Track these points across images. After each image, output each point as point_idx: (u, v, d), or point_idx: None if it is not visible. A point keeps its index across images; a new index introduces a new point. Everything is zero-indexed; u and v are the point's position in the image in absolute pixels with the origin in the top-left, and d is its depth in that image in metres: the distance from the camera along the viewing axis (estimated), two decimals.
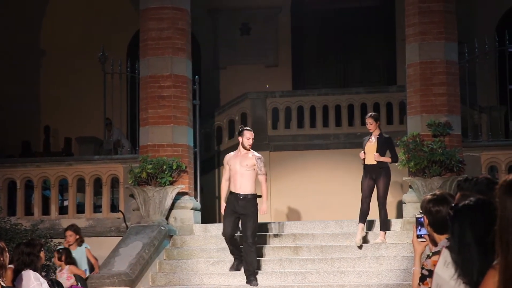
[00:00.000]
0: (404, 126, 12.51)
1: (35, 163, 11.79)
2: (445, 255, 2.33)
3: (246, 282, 9.28)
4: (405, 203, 10.79)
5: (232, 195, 9.39)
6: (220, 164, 14.49)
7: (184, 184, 10.93)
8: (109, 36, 15.16)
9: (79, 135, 14.45)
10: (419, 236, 4.09)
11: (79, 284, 8.56)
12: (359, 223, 10.00)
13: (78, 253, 9.23)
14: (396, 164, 10.60)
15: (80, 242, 9.33)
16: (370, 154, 9.93)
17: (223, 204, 9.62)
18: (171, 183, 10.71)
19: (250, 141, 9.51)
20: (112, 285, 9.15)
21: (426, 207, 3.95)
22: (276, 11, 16.25)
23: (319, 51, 16.38)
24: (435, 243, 4.04)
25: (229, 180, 9.50)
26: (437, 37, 10.68)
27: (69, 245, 9.23)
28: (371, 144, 10.03)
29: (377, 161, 9.88)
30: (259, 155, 9.66)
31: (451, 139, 10.57)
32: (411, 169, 10.42)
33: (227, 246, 10.34)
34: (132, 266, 9.52)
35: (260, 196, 9.55)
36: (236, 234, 9.47)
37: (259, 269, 9.81)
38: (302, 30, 16.50)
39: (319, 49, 16.41)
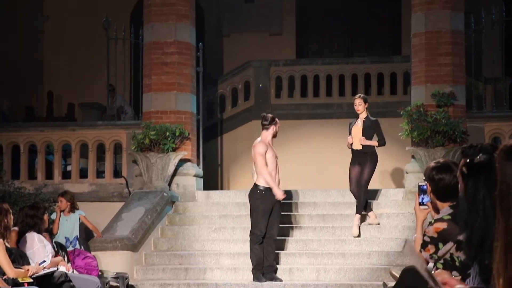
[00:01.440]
0: (408, 97, 12.49)
1: (39, 127, 11.81)
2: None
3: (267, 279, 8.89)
4: (407, 172, 10.81)
5: (270, 191, 8.69)
6: (223, 131, 14.52)
7: (187, 151, 10.95)
8: (112, 1, 15.08)
9: (82, 101, 14.44)
10: (421, 204, 4.11)
11: (82, 247, 8.63)
12: (356, 213, 9.73)
13: (71, 220, 9.21)
14: (400, 133, 10.61)
15: (73, 209, 9.24)
16: (356, 138, 9.60)
17: (278, 192, 8.74)
18: (174, 150, 10.73)
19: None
20: (114, 249, 9.22)
21: (429, 175, 3.96)
22: None
23: (323, 20, 16.28)
24: (437, 211, 4.06)
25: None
26: (444, 7, 10.60)
27: (62, 211, 9.18)
28: (358, 127, 9.67)
29: (362, 145, 9.54)
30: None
31: (455, 109, 10.55)
32: (414, 139, 10.41)
33: (229, 213, 10.39)
34: (135, 231, 9.58)
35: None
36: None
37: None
38: None
39: (324, 18, 16.30)
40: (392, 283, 7.03)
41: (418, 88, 10.80)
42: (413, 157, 10.74)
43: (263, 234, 8.64)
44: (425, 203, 4.09)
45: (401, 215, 10.13)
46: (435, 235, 3.86)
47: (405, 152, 11.18)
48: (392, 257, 9.16)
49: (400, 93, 14.13)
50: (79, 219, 9.25)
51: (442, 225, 3.83)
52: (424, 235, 4.00)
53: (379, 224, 9.77)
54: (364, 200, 9.73)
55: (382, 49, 15.75)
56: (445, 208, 3.92)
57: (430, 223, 3.93)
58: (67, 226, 9.07)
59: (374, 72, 14.34)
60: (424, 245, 4.02)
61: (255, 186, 8.77)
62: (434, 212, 4.05)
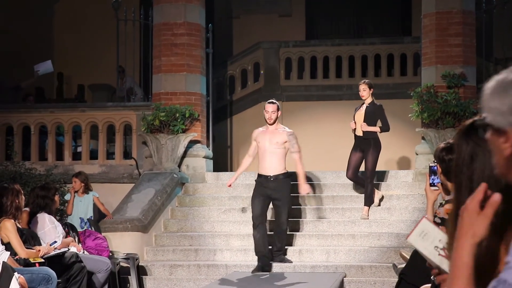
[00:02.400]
0: (418, 78, 12.44)
1: (49, 109, 11.83)
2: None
3: (275, 261, 8.75)
4: (417, 154, 10.79)
5: (261, 177, 8.57)
6: (232, 113, 14.52)
7: (197, 132, 10.96)
8: None
9: (92, 82, 14.46)
10: (432, 185, 4.10)
11: (92, 228, 8.67)
12: (364, 206, 9.63)
13: (85, 201, 9.29)
14: (409, 115, 10.57)
15: (87, 190, 9.32)
16: (359, 123, 9.46)
17: (235, 177, 9.07)
18: (184, 131, 10.75)
19: (270, 115, 8.51)
20: (125, 230, 9.26)
21: (439, 156, 3.95)
22: None
23: (333, 1, 16.19)
24: (448, 192, 4.05)
25: (250, 158, 8.86)
26: None
27: (76, 192, 9.26)
28: (360, 113, 9.52)
29: (363, 132, 9.40)
30: (291, 130, 8.79)
31: (466, 90, 10.50)
32: (424, 120, 10.38)
33: (238, 194, 10.41)
34: (145, 212, 9.61)
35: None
36: (266, 219, 8.73)
37: (268, 218, 9.89)
38: None
39: None
40: (402, 265, 7.04)
41: (428, 69, 10.75)
42: (423, 138, 10.71)
43: (255, 220, 8.49)
44: (435, 184, 4.08)
45: (411, 196, 10.12)
46: (446, 217, 3.85)
47: (415, 134, 11.15)
48: (402, 238, 9.15)
49: (410, 74, 14.07)
50: (93, 200, 9.32)
51: None
52: (434, 216, 4.00)
53: (368, 219, 9.60)
54: (372, 191, 9.66)
55: (392, 30, 15.66)
56: None
57: (441, 205, 3.92)
58: (81, 207, 9.15)
59: (384, 53, 14.27)
60: None
61: None
62: (444, 194, 4.04)
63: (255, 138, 8.70)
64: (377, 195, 9.80)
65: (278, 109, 8.66)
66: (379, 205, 9.79)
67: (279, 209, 8.59)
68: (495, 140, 1.62)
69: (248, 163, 8.94)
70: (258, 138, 8.61)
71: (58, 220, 7.74)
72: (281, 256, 8.79)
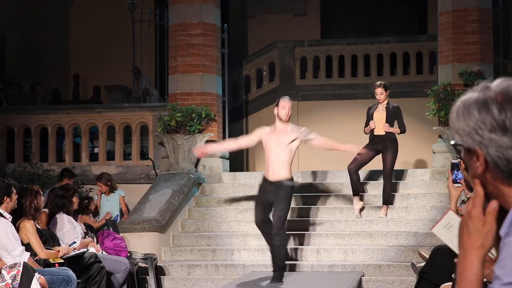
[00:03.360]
0: (434, 76, 12.39)
1: (66, 110, 11.90)
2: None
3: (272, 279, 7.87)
4: (434, 152, 10.74)
5: (263, 181, 8.01)
6: (248, 113, 14.52)
7: (213, 132, 10.97)
8: None
9: (108, 83, 14.51)
10: (454, 181, 4.08)
11: (110, 229, 8.70)
12: (354, 196, 9.61)
13: (112, 199, 9.43)
14: (426, 113, 10.53)
15: (112, 190, 9.57)
16: (379, 123, 9.40)
17: (208, 149, 8.70)
18: (200, 131, 10.77)
19: (288, 112, 7.94)
20: (142, 230, 9.28)
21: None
22: None
23: (348, 0, 16.16)
24: (470, 188, 4.03)
25: (235, 145, 8.36)
26: None
27: (102, 193, 9.48)
28: (379, 113, 9.46)
29: (386, 132, 9.35)
30: (303, 127, 8.29)
31: None
32: (441, 119, 10.33)
33: (255, 194, 10.39)
34: (162, 212, 9.63)
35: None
36: (269, 220, 8.00)
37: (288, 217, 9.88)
38: None
39: None
40: (421, 263, 7.01)
41: (445, 67, 10.70)
42: (440, 136, 10.66)
43: (259, 226, 8.02)
44: (458, 180, 4.06)
45: (429, 195, 10.08)
46: None
47: (432, 132, 11.11)
48: (420, 237, 9.12)
49: (426, 73, 14.03)
50: (119, 199, 9.55)
51: None
52: (457, 213, 3.97)
53: (387, 218, 9.58)
54: (390, 190, 9.64)
55: (408, 28, 15.61)
56: None
57: (463, 201, 3.90)
58: (108, 206, 9.38)
59: (399, 52, 14.23)
60: None
61: None
62: (467, 190, 4.02)
63: (260, 135, 8.05)
64: (358, 205, 9.62)
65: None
66: (359, 215, 9.62)
67: (275, 210, 7.78)
68: (467, 159, 1.64)
69: (228, 146, 8.63)
70: (264, 137, 7.99)
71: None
72: (280, 273, 7.85)
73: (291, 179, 7.93)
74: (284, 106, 7.95)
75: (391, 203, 9.84)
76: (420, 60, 14.17)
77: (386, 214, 9.59)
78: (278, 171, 7.79)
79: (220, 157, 11.14)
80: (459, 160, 3.95)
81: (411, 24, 15.97)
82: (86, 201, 9.03)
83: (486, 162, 1.59)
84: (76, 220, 7.94)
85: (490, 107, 1.59)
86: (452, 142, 1.65)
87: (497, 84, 1.63)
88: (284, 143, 7.83)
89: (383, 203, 9.61)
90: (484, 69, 10.47)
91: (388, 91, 9.59)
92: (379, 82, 9.83)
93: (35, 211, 6.62)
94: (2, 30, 14.27)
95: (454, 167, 4.01)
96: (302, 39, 14.82)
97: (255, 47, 15.32)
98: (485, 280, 1.79)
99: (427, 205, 9.86)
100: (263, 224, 7.94)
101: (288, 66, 14.57)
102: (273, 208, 7.80)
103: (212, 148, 8.84)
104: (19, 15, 14.85)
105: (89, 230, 7.99)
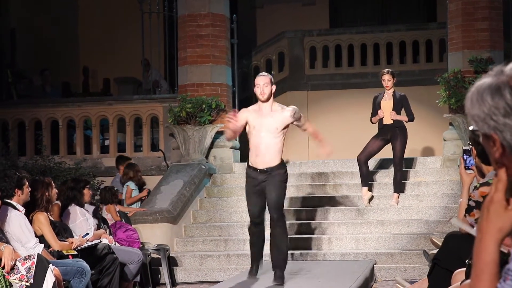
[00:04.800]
0: (443, 64, 12.35)
1: (76, 103, 11.94)
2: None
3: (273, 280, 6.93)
4: (445, 140, 10.72)
5: (251, 170, 6.89)
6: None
7: (223, 123, 10.96)
8: None
9: (117, 75, 14.53)
10: (466, 168, 4.07)
11: (123, 220, 8.73)
12: (362, 187, 9.59)
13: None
14: (437, 101, 10.50)
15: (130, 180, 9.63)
16: (386, 112, 9.37)
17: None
18: (210, 122, 10.78)
19: (262, 89, 6.86)
20: (154, 221, 9.31)
21: (474, 138, 3.92)
22: None
23: None
24: (482, 175, 4.03)
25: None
26: None
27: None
28: (386, 102, 9.42)
29: (393, 120, 9.32)
30: (292, 106, 7.12)
31: None
32: (452, 106, 10.31)
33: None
34: (174, 203, 9.66)
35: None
36: (264, 218, 7.07)
37: (297, 206, 9.90)
38: None
39: None
40: (433, 251, 7.01)
41: (455, 54, 10.67)
42: (451, 124, 10.64)
43: (254, 219, 7.00)
44: (470, 167, 4.06)
45: (440, 183, 10.07)
46: (481, 200, 3.83)
47: (443, 120, 11.08)
48: (432, 225, 9.12)
49: (436, 60, 13.98)
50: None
51: (488, 189, 3.80)
52: (469, 199, 3.97)
53: (398, 207, 9.56)
54: (401, 178, 9.63)
55: (417, 16, 15.55)
56: (491, 172, 3.88)
57: (476, 188, 3.90)
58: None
59: (409, 40, 14.19)
60: (469, 210, 3.99)
61: None
62: (479, 176, 4.02)
63: (247, 117, 6.89)
64: (367, 195, 9.62)
65: (271, 83, 6.95)
66: (369, 205, 9.61)
67: (269, 196, 6.84)
68: (485, 144, 1.64)
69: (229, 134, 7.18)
70: (250, 120, 6.86)
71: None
72: (282, 271, 6.98)
73: (283, 163, 6.94)
74: (258, 83, 6.89)
75: (402, 191, 9.84)
76: (429, 48, 14.12)
77: (398, 202, 9.59)
78: (269, 158, 6.75)
79: (231, 148, 11.15)
80: (470, 146, 3.94)
81: (421, 12, 15.91)
82: (116, 188, 9.00)
83: (503, 146, 1.59)
84: (97, 210, 8.00)
85: (503, 92, 1.59)
86: (471, 128, 1.67)
87: (510, 68, 1.63)
88: (273, 127, 6.76)
89: (394, 192, 9.61)
90: (495, 55, 10.43)
91: (395, 78, 9.56)
92: (386, 69, 9.82)
93: (47, 203, 6.66)
94: (12, 24, 14.30)
95: (466, 153, 4.00)
96: (311, 28, 14.79)
97: (264, 37, 15.30)
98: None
99: (438, 193, 9.85)
100: (259, 216, 6.90)
101: (297, 56, 14.55)
102: (267, 197, 6.84)
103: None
104: (28, 9, 14.87)
105: (102, 221, 8.02)
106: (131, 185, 9.61)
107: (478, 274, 1.60)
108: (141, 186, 9.87)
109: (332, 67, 14.59)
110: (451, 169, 10.28)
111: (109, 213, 8.55)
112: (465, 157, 4.05)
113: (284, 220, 7.05)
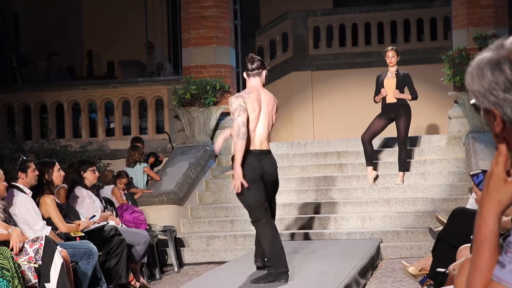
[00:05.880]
0: (448, 42, 12.30)
1: (81, 86, 11.95)
2: None
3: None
4: (450, 118, 10.71)
5: (253, 154, 6.08)
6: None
7: (227, 104, 10.97)
8: None
9: (121, 58, 14.54)
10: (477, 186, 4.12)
11: (129, 202, 8.77)
12: (367, 166, 9.58)
13: (135, 171, 9.55)
14: (441, 79, 10.48)
15: (136, 162, 9.62)
16: (390, 90, 9.35)
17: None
18: (215, 104, 10.79)
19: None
20: (161, 203, 9.36)
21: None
22: None
23: None
24: None
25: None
26: None
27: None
28: (389, 80, 9.41)
29: (397, 99, 9.32)
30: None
31: None
32: (456, 84, 10.28)
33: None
34: (180, 185, 9.70)
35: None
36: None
37: (302, 187, 9.92)
38: None
39: None
40: (439, 228, 7.03)
41: (459, 32, 10.62)
42: (455, 102, 10.63)
43: (261, 205, 6.15)
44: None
45: (445, 160, 10.07)
46: None
47: (448, 98, 11.06)
48: (437, 203, 9.14)
49: (440, 39, 13.93)
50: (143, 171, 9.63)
51: None
52: None
53: (403, 184, 9.56)
54: (406, 156, 9.63)
55: None
56: None
57: None
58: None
59: (413, 18, 14.13)
60: None
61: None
62: None
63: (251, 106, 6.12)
64: (371, 175, 9.63)
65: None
66: (374, 184, 9.61)
67: (273, 200, 6.38)
68: (486, 119, 1.64)
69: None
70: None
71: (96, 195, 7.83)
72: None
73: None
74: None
75: (408, 170, 9.85)
76: (434, 26, 14.07)
77: (403, 181, 9.61)
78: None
79: None
80: (480, 171, 3.99)
81: None
82: (117, 174, 9.03)
83: (503, 121, 1.60)
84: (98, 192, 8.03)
85: (503, 67, 1.59)
86: (472, 102, 1.66)
87: (511, 42, 1.62)
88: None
89: (399, 170, 9.62)
90: (499, 32, 10.37)
91: (399, 56, 9.53)
92: (390, 47, 9.80)
93: (48, 184, 6.66)
94: (15, 8, 14.29)
95: (474, 176, 4.05)
96: (314, 8, 14.74)
97: (267, 18, 15.26)
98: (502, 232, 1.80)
99: (443, 171, 9.85)
100: (264, 204, 6.09)
101: (301, 36, 14.52)
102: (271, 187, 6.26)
103: (222, 137, 6.49)
104: None
105: (108, 204, 8.05)
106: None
107: (478, 246, 1.61)
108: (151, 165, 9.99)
109: (336, 47, 14.55)
110: (457, 147, 10.28)
111: (114, 196, 8.58)
112: (474, 179, 4.08)
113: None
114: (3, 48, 12.41)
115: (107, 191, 8.64)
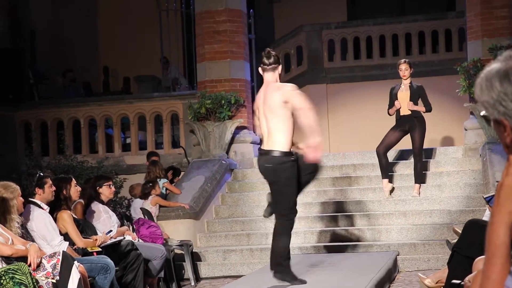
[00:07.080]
0: (463, 53, 12.28)
1: (97, 102, 12.04)
2: None
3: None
4: (466, 129, 10.67)
5: (259, 155, 6.34)
6: None
7: (243, 118, 11.02)
8: None
9: (137, 74, 14.63)
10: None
11: (145, 217, 8.80)
12: (383, 179, 9.58)
13: None
14: (457, 90, 10.45)
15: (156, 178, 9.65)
16: (404, 103, 9.34)
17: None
18: (230, 118, 10.82)
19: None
20: (177, 218, 9.37)
21: None
22: None
23: None
24: None
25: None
26: None
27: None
28: (403, 93, 9.39)
29: (411, 111, 9.31)
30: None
31: None
32: (472, 95, 10.25)
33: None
34: (196, 199, 9.72)
35: None
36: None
37: (319, 200, 9.91)
38: None
39: None
40: (456, 240, 6.99)
41: (474, 43, 10.61)
42: (471, 113, 10.59)
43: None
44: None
45: (462, 172, 10.03)
46: None
47: (463, 109, 11.02)
48: (454, 215, 9.09)
49: (455, 50, 13.90)
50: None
51: None
52: None
53: (420, 197, 9.53)
54: (421, 168, 9.61)
55: (436, 6, 15.47)
56: None
57: None
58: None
59: (428, 30, 14.11)
60: None
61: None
62: None
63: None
64: (387, 187, 9.62)
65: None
66: (390, 197, 9.61)
67: (274, 201, 6.36)
68: (496, 130, 1.64)
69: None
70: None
71: (113, 210, 7.88)
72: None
73: (289, 153, 6.12)
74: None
75: (424, 182, 9.82)
76: (449, 37, 14.04)
77: (419, 193, 9.57)
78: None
79: (251, 143, 11.19)
80: (491, 195, 3.99)
81: (439, 1, 15.81)
82: (150, 184, 9.07)
83: None
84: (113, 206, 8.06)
85: (511, 78, 1.59)
86: (482, 113, 1.66)
87: None
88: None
89: (415, 182, 9.59)
90: None
91: (412, 68, 9.52)
92: (403, 59, 9.80)
93: (65, 200, 6.71)
94: (32, 26, 14.44)
95: (487, 199, 4.05)
96: (328, 21, 14.77)
97: (282, 32, 15.31)
98: None
99: (460, 182, 9.81)
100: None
101: (315, 49, 14.54)
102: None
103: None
104: (47, 10, 15.01)
105: (125, 219, 8.09)
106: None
107: (490, 257, 1.61)
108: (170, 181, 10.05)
109: (351, 60, 14.55)
110: (473, 159, 10.24)
111: (157, 204, 8.74)
112: (486, 199, 4.08)
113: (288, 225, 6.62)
114: (20, 65, 12.52)
115: (137, 204, 8.70)
